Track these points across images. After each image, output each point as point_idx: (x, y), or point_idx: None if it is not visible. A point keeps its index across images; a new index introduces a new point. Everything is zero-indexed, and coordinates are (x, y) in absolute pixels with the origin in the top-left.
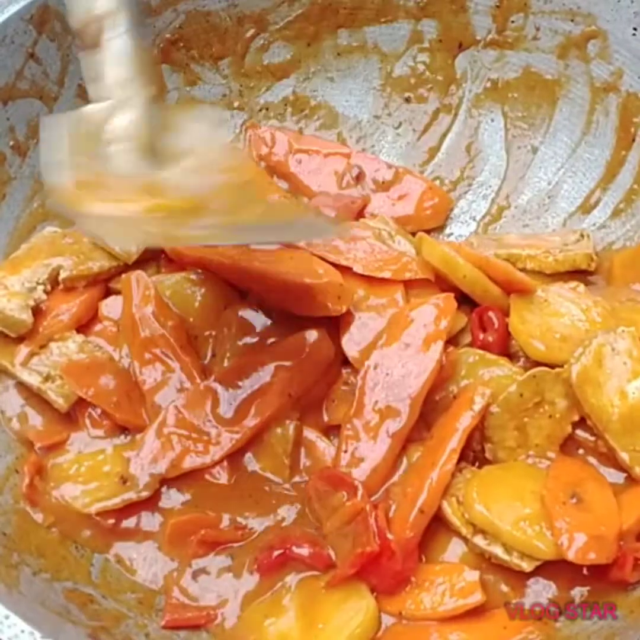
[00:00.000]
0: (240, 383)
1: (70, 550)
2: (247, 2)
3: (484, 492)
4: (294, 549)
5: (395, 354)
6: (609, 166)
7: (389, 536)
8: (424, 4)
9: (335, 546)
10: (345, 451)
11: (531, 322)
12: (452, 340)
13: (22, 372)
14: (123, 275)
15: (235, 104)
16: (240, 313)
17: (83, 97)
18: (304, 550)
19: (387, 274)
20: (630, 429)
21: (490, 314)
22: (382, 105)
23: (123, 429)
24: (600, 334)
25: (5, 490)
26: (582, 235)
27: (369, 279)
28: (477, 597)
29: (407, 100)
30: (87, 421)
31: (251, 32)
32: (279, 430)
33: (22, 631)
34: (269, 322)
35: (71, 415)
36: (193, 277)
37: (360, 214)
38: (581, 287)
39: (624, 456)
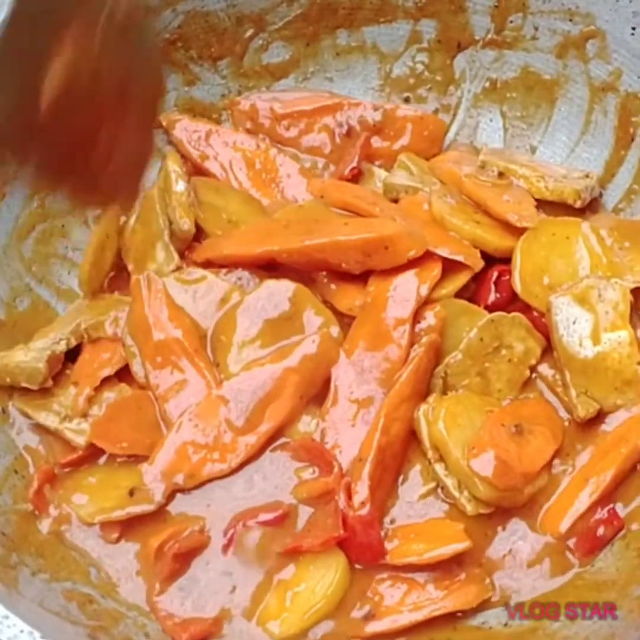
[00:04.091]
0: (251, 388)
1: (69, 550)
2: (246, 3)
3: (452, 414)
4: (249, 521)
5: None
6: (607, 166)
7: (349, 513)
8: (423, 4)
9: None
10: (327, 443)
11: (536, 256)
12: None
13: (39, 415)
14: (133, 277)
15: None
16: (239, 311)
17: None
18: (265, 517)
19: None
20: (589, 374)
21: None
22: None
23: None
24: (592, 278)
25: (4, 490)
26: (586, 176)
27: None
28: (465, 544)
29: (406, 100)
30: None
31: (250, 32)
32: (300, 427)
33: (22, 631)
34: (275, 312)
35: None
36: (190, 273)
37: (369, 157)
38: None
39: (573, 393)
